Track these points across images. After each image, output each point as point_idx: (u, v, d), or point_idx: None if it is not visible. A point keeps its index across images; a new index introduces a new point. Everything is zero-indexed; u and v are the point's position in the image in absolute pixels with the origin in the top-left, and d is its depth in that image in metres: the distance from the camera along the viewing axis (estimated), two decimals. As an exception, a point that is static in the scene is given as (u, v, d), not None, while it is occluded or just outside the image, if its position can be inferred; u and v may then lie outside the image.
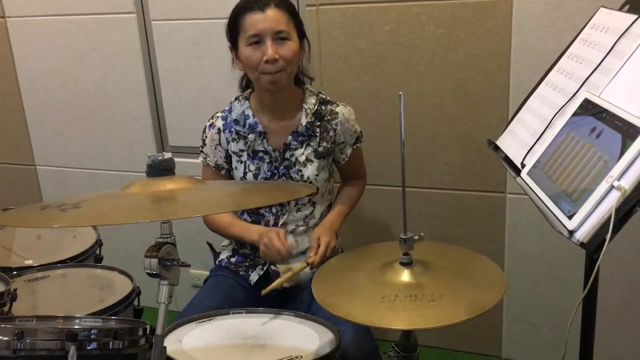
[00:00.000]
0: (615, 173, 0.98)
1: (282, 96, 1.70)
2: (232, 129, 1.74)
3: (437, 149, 2.14)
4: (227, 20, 1.68)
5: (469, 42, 2.00)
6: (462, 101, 2.07)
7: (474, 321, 1.13)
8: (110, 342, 1.17)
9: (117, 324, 1.34)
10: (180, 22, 2.35)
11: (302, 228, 1.75)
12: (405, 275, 1.26)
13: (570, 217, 1.03)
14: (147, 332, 1.25)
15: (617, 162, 0.99)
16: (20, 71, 2.70)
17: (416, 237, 1.28)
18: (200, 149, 1.80)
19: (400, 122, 1.24)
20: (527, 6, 1.90)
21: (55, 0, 2.51)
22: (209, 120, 1.79)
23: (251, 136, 1.72)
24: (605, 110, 1.11)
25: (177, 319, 1.52)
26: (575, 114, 1.20)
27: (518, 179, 1.30)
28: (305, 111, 1.71)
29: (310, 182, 1.72)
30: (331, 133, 1.74)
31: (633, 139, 0.99)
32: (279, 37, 1.60)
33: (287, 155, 1.72)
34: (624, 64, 1.16)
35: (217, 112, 1.79)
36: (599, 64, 1.25)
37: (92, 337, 1.16)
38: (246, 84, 1.81)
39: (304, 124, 1.70)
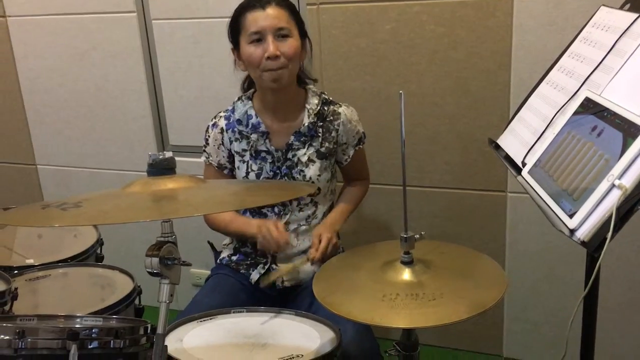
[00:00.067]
0: (616, 172, 0.98)
1: (284, 95, 1.70)
2: (235, 129, 1.74)
3: (438, 148, 2.14)
4: (228, 21, 1.68)
5: (469, 41, 2.00)
6: (462, 100, 2.06)
7: (475, 320, 1.13)
8: (112, 341, 1.18)
9: (118, 323, 1.34)
10: (180, 21, 2.35)
11: (304, 227, 1.75)
12: (406, 274, 1.26)
13: (571, 216, 1.03)
14: (148, 331, 1.25)
15: (618, 160, 0.99)
16: (20, 70, 2.70)
17: (417, 236, 1.28)
18: (203, 148, 1.80)
19: (401, 121, 1.24)
20: (528, 5, 1.90)
21: (56, 0, 2.51)
22: (212, 120, 1.79)
23: (254, 136, 1.72)
24: (606, 109, 1.11)
25: (179, 318, 1.52)
26: (576, 113, 1.20)
27: (519, 177, 1.30)
28: (308, 111, 1.71)
29: (313, 183, 1.72)
30: (333, 133, 1.74)
31: (634, 137, 0.98)
32: (280, 34, 1.61)
33: (290, 155, 1.72)
34: (625, 62, 1.16)
35: (220, 112, 1.79)
36: (600, 62, 1.25)
37: (93, 336, 1.16)
38: (248, 86, 1.81)
39: (306, 124, 1.71)
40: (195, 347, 1.35)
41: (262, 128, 1.71)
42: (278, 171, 1.73)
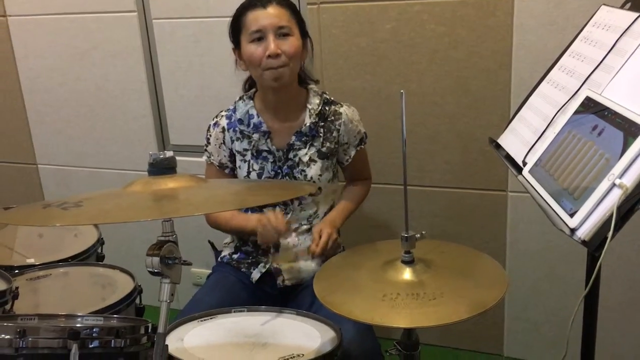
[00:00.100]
0: (616, 171, 0.98)
1: (285, 95, 1.70)
2: (237, 128, 1.74)
3: (439, 147, 2.14)
4: (230, 20, 1.68)
5: (470, 41, 1.99)
6: (463, 99, 2.06)
7: (476, 319, 1.13)
8: (112, 341, 1.18)
9: (119, 323, 1.34)
10: (181, 20, 2.35)
11: (305, 227, 1.75)
12: (406, 274, 1.26)
13: (571, 215, 1.03)
14: (149, 330, 1.25)
15: (619, 160, 0.99)
16: (21, 70, 2.70)
17: (417, 235, 1.28)
18: (205, 147, 1.80)
19: (401, 121, 1.24)
20: (529, 4, 1.90)
21: (56, -1, 2.52)
22: (213, 119, 1.79)
23: (255, 136, 1.72)
24: (606, 108, 1.11)
25: (179, 316, 1.52)
26: (576, 112, 1.20)
27: (519, 177, 1.30)
28: (309, 111, 1.71)
29: (314, 182, 1.72)
30: (335, 133, 1.74)
31: (635, 136, 0.98)
32: (281, 33, 1.61)
33: (291, 155, 1.72)
34: (626, 61, 1.16)
35: (221, 111, 1.79)
36: (601, 62, 1.25)
37: (94, 335, 1.17)
38: (249, 87, 1.81)
39: (307, 124, 1.71)
40: (196, 347, 1.35)
41: (264, 128, 1.71)
42: (279, 171, 1.73)
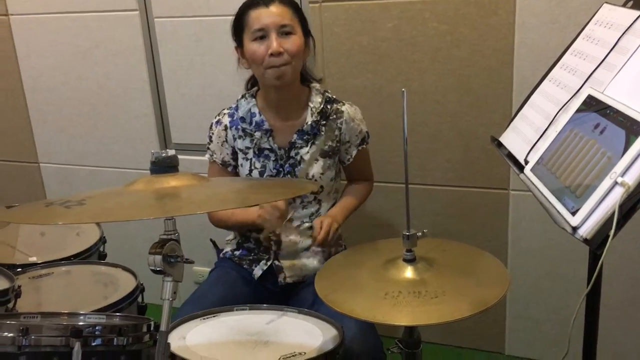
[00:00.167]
0: (618, 169, 0.98)
1: (287, 93, 1.70)
2: (239, 126, 1.74)
3: (440, 146, 2.14)
4: (232, 19, 1.68)
5: (472, 39, 1.99)
6: (465, 98, 2.06)
7: (477, 317, 1.13)
8: (115, 339, 1.18)
9: (122, 321, 1.34)
10: (183, 19, 2.35)
11: (307, 224, 1.75)
12: (408, 272, 1.26)
13: (573, 214, 1.03)
14: (151, 328, 1.25)
15: (621, 158, 0.99)
16: (23, 69, 2.70)
17: (419, 234, 1.28)
18: (207, 146, 1.80)
19: (403, 119, 1.24)
20: (530, 3, 1.90)
21: (58, -2, 2.52)
22: (215, 117, 1.79)
23: (257, 134, 1.72)
24: (608, 107, 1.11)
25: (180, 311, 1.52)
26: (578, 110, 1.20)
27: (521, 175, 1.30)
28: (311, 110, 1.72)
29: (316, 181, 1.72)
30: (336, 132, 1.74)
31: (637, 135, 0.98)
32: (284, 32, 1.61)
33: (293, 153, 1.72)
34: (628, 60, 1.16)
35: (223, 109, 1.79)
36: (603, 60, 1.24)
37: (96, 333, 1.17)
38: (252, 86, 1.81)
39: (309, 122, 1.71)
40: (198, 345, 1.36)
41: (266, 126, 1.72)
42: (281, 169, 1.73)
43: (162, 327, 1.06)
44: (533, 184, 1.23)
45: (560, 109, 1.30)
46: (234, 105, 1.77)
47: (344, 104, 1.76)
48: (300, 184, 1.53)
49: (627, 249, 1.97)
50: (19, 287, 1.51)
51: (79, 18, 2.51)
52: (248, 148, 1.74)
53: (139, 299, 1.69)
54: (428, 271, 1.27)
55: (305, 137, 1.71)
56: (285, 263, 1.74)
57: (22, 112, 2.77)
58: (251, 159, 1.74)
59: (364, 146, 1.80)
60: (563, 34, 1.85)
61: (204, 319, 1.48)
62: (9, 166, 2.91)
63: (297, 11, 1.67)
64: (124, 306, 1.62)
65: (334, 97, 1.77)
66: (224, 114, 1.77)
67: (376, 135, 2.03)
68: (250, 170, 1.74)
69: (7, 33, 2.65)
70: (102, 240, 2.02)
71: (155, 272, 1.07)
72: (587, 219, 1.00)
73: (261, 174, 1.73)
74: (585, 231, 1.00)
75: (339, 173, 1.82)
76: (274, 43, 1.59)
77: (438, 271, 1.27)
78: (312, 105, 1.72)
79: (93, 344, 1.16)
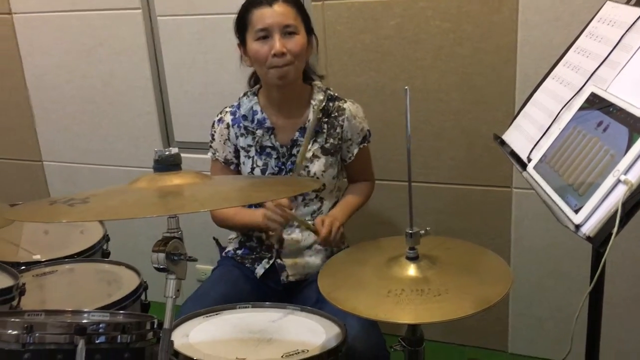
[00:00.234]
0: (621, 167, 0.98)
1: (289, 92, 1.70)
2: (241, 124, 1.74)
3: (443, 144, 2.14)
4: (235, 17, 1.68)
5: (475, 37, 1.99)
6: (468, 96, 2.06)
7: (480, 315, 1.13)
8: (119, 336, 1.18)
9: (125, 318, 1.35)
10: (185, 17, 2.35)
11: (309, 223, 1.75)
12: (411, 270, 1.26)
13: (576, 211, 1.03)
14: (155, 326, 1.25)
15: (624, 156, 0.99)
16: (27, 67, 2.71)
17: (422, 232, 1.28)
18: (209, 144, 1.81)
19: (406, 117, 1.24)
20: (534, 0, 1.89)
21: (62, -3, 2.52)
22: (217, 115, 1.79)
23: (259, 132, 1.72)
24: (611, 104, 1.10)
25: (183, 308, 1.53)
26: (581, 108, 1.20)
27: (524, 173, 1.30)
28: (313, 108, 1.72)
29: (318, 178, 1.72)
30: (338, 129, 1.74)
31: (640, 132, 0.98)
32: (287, 32, 1.61)
33: (294, 151, 1.72)
34: (631, 57, 1.16)
35: (225, 107, 1.79)
36: (606, 57, 1.24)
37: (100, 331, 1.17)
38: (254, 82, 1.81)
39: (311, 120, 1.71)
40: (201, 342, 1.36)
41: (268, 124, 1.72)
42: (283, 167, 1.73)
43: (166, 325, 1.07)
44: (536, 181, 1.23)
45: (563, 107, 1.30)
46: (236, 103, 1.78)
47: (345, 102, 1.76)
48: (302, 182, 1.53)
49: (630, 246, 1.97)
50: (23, 284, 1.52)
51: (83, 16, 2.52)
52: (250, 146, 1.74)
53: (142, 297, 1.70)
54: (431, 269, 1.27)
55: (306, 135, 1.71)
56: (287, 261, 1.74)
57: (26, 111, 2.78)
58: (253, 157, 1.74)
59: (366, 144, 1.80)
60: (566, 31, 1.84)
61: (206, 316, 1.49)
62: (12, 164, 2.92)
63: (301, 10, 1.66)
64: (128, 304, 1.62)
65: (336, 94, 1.77)
66: (226, 112, 1.78)
67: (379, 133, 2.03)
68: (252, 168, 1.74)
69: (11, 31, 2.66)
70: (106, 238, 2.03)
71: (158, 269, 1.08)
72: (590, 216, 1.00)
73: (263, 171, 1.74)
74: (588, 229, 1.00)
75: (341, 171, 1.82)
76: (277, 44, 1.59)
77: (441, 269, 1.27)
78: (314, 103, 1.72)
79: (97, 341, 1.16)
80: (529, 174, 1.28)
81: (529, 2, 1.90)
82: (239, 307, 1.52)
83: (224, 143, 1.77)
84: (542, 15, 1.89)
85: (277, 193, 1.34)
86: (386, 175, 2.19)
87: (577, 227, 1.02)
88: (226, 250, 1.86)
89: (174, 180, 1.13)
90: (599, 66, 1.25)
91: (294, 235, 1.74)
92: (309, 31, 1.69)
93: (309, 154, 1.72)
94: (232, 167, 1.80)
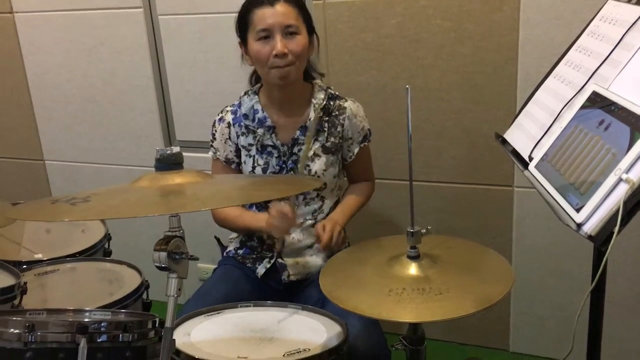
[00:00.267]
0: (623, 166, 0.98)
1: (290, 91, 1.70)
2: (242, 123, 1.74)
3: (445, 143, 2.14)
4: (236, 16, 1.68)
5: (476, 36, 1.99)
6: (469, 95, 2.06)
7: (481, 314, 1.13)
8: (120, 335, 1.18)
9: (127, 317, 1.35)
10: (187, 16, 2.35)
11: (310, 222, 1.75)
12: (412, 269, 1.26)
13: (578, 210, 1.03)
14: (157, 325, 1.25)
15: (626, 154, 0.99)
16: (28, 66, 2.71)
17: (423, 231, 1.28)
18: (210, 143, 1.81)
19: (407, 116, 1.24)
20: (535, -1, 1.89)
21: (63, -4, 2.53)
22: (218, 115, 1.79)
23: (260, 130, 1.72)
24: (613, 103, 1.10)
25: (185, 308, 1.53)
26: (583, 107, 1.20)
27: (526, 172, 1.30)
28: (314, 106, 1.72)
29: (318, 177, 1.72)
30: (339, 128, 1.74)
31: (641, 131, 0.98)
32: (288, 32, 1.61)
33: (295, 150, 1.72)
34: (633, 56, 1.16)
35: (226, 106, 1.79)
36: (607, 56, 1.24)
37: (102, 329, 1.17)
38: (255, 80, 1.81)
39: (312, 119, 1.71)
40: (202, 341, 1.36)
41: (268, 123, 1.72)
42: (284, 166, 1.73)
43: (167, 324, 1.07)
44: (537, 180, 1.23)
45: (565, 106, 1.30)
46: (236, 102, 1.78)
47: (346, 101, 1.76)
48: (303, 181, 1.53)
49: (631, 245, 1.97)
50: (25, 283, 1.52)
51: (84, 16, 2.52)
52: (251, 145, 1.74)
53: (144, 296, 1.70)
54: (432, 268, 1.27)
55: (307, 134, 1.71)
56: (288, 261, 1.74)
57: (27, 110, 2.78)
58: (254, 156, 1.74)
59: (366, 144, 1.80)
60: (568, 30, 1.84)
61: (208, 315, 1.49)
62: (14, 163, 2.92)
63: (302, 9, 1.66)
64: (129, 303, 1.62)
65: (337, 93, 1.77)
66: (227, 111, 1.78)
67: (380, 132, 2.03)
68: (253, 167, 1.74)
69: (12, 30, 2.66)
70: (107, 237, 2.03)
71: (160, 268, 1.08)
72: (592, 215, 1.00)
73: (264, 170, 1.74)
74: (589, 228, 1.00)
75: (342, 170, 1.82)
76: (279, 44, 1.59)
77: (442, 268, 1.27)
78: (314, 102, 1.72)
79: (99, 340, 1.17)
80: (530, 172, 1.28)
81: (530, 0, 1.90)
82: (241, 306, 1.52)
83: (225, 142, 1.78)
84: (544, 14, 1.89)
85: (278, 192, 1.34)
86: (387, 174, 2.19)
87: (579, 225, 1.02)
88: (227, 250, 1.86)
89: (175, 179, 1.13)
90: (600, 65, 1.25)
91: (295, 235, 1.74)
92: (311, 31, 1.69)
93: (309, 153, 1.72)
94: (233, 166, 1.80)
